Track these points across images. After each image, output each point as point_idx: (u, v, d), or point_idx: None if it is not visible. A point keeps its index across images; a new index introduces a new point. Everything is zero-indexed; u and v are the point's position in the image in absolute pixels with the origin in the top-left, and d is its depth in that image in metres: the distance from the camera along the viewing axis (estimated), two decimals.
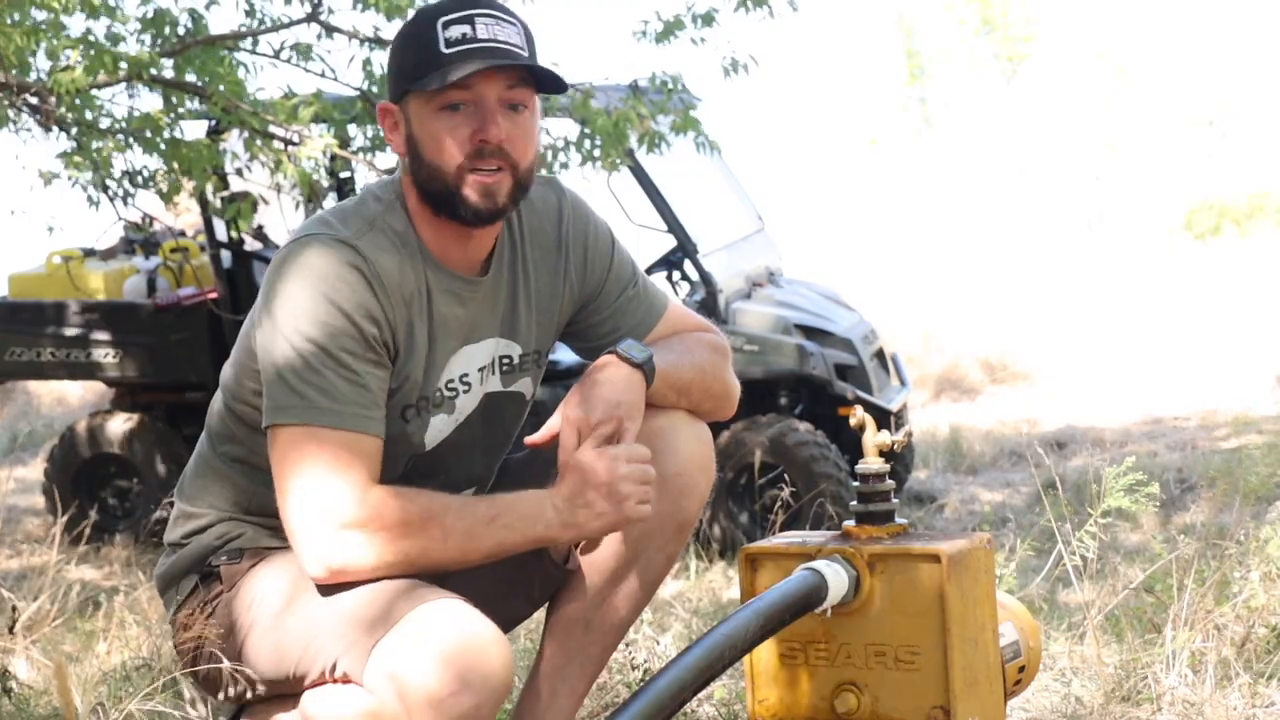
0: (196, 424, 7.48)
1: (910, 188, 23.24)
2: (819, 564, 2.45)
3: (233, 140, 6.63)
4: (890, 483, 2.56)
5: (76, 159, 6.31)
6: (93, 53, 5.96)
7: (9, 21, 5.58)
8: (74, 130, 6.41)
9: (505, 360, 2.58)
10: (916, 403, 11.12)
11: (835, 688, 2.50)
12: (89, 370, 8.02)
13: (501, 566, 2.48)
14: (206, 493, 2.58)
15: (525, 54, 2.42)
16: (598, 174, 6.85)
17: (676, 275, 7.73)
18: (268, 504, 2.52)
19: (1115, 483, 3.54)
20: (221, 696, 2.56)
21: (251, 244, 7.88)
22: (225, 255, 7.84)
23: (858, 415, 2.57)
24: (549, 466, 2.51)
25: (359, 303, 2.37)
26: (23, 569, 6.76)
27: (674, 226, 7.46)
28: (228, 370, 2.54)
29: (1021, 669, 2.68)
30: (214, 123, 6.94)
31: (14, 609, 3.52)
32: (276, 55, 6.56)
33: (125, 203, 6.83)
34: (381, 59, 6.57)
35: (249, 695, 2.52)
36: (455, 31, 2.40)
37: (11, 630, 3.53)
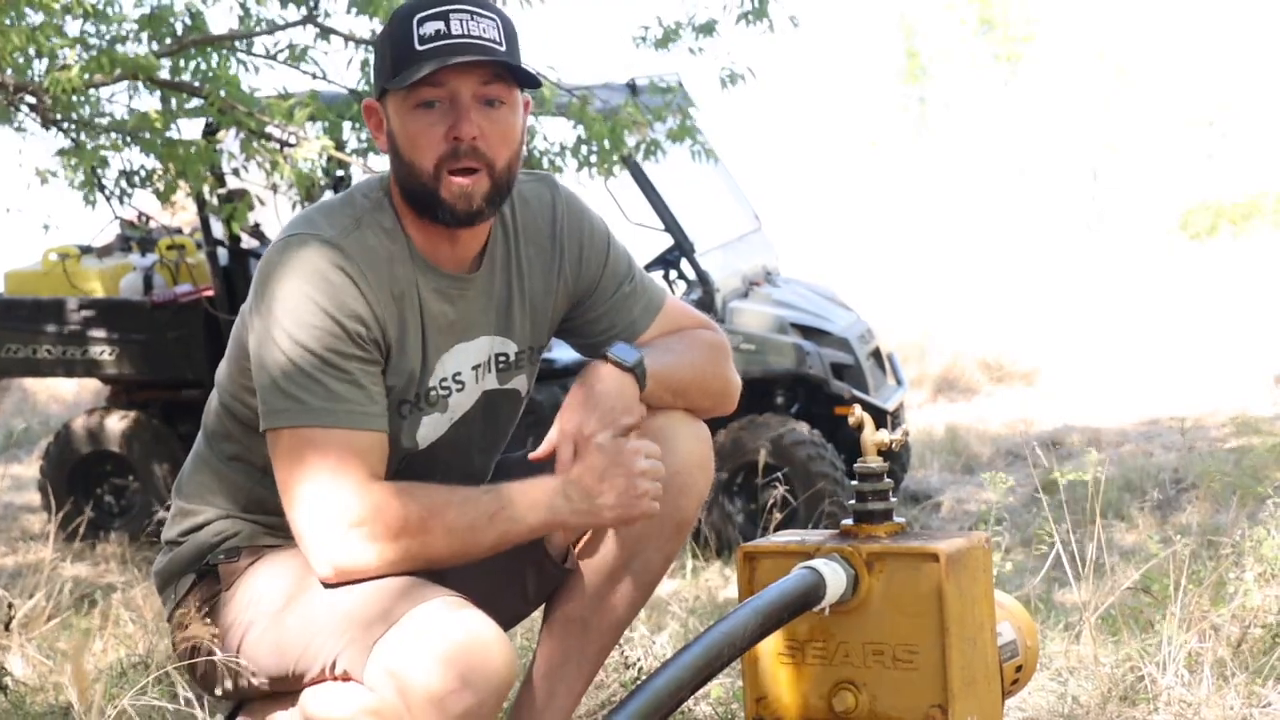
0: (192, 421, 7.50)
1: (909, 188, 23.25)
2: (817, 563, 2.44)
3: (229, 140, 6.62)
4: (889, 482, 2.56)
5: (73, 158, 6.30)
6: (89, 53, 5.95)
7: (6, 22, 5.57)
8: (71, 129, 6.40)
9: (501, 358, 2.57)
10: (914, 402, 11.13)
11: (833, 686, 2.50)
12: (85, 367, 8.01)
13: (499, 565, 2.48)
14: (204, 490, 2.58)
15: (502, 49, 2.40)
16: (593, 180, 6.85)
17: (673, 274, 7.73)
18: (265, 502, 2.52)
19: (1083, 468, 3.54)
20: (219, 694, 2.56)
21: (248, 242, 7.87)
22: (222, 253, 7.84)
23: (856, 414, 2.57)
24: (547, 465, 2.51)
25: (344, 303, 2.37)
26: (18, 566, 6.76)
27: (671, 225, 7.46)
28: (222, 369, 2.54)
29: (1019, 668, 2.68)
30: (210, 122, 6.94)
31: (10, 606, 3.51)
32: (273, 57, 6.56)
33: (122, 201, 6.82)
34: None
35: (247, 692, 2.52)
36: (429, 28, 2.38)
37: (7, 627, 3.53)
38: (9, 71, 5.74)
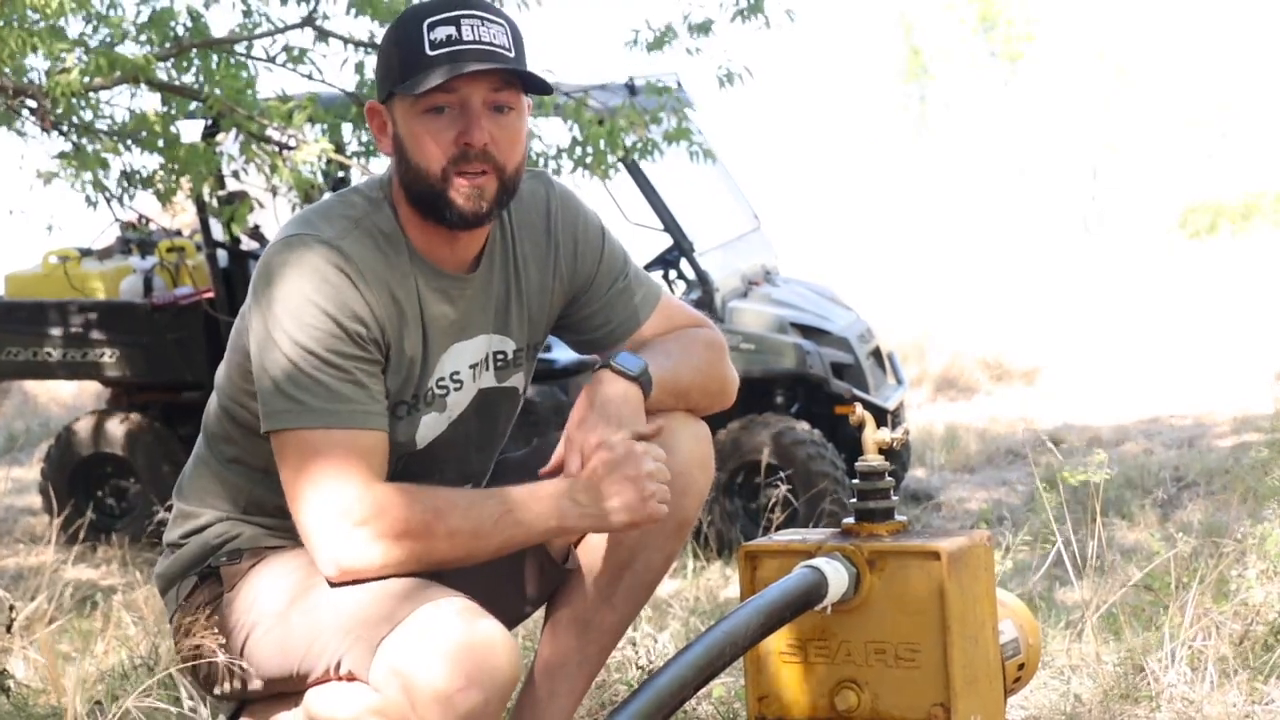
0: (193, 423, 7.51)
1: (909, 187, 23.26)
2: (819, 561, 2.44)
3: (228, 142, 6.62)
4: (890, 480, 2.55)
5: (73, 161, 6.30)
6: (88, 56, 5.95)
7: (2, 24, 5.58)
8: (71, 132, 6.41)
9: (499, 356, 2.57)
10: (914, 401, 11.13)
11: (835, 685, 2.49)
12: (86, 370, 8.02)
13: (500, 565, 2.48)
14: (204, 493, 2.58)
15: (511, 55, 2.40)
16: (589, 181, 6.85)
17: (673, 274, 7.73)
18: (265, 503, 2.53)
19: (1085, 466, 3.54)
20: (221, 695, 2.56)
21: (248, 244, 7.88)
22: (221, 255, 7.84)
23: (857, 413, 2.57)
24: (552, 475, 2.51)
25: (344, 304, 2.37)
26: (20, 568, 6.76)
27: (670, 225, 7.46)
28: (221, 371, 2.54)
29: (1021, 666, 2.68)
30: (209, 124, 6.94)
31: (11, 609, 3.51)
32: (272, 60, 6.56)
33: (123, 203, 6.82)
34: (374, 63, 6.56)
35: (249, 693, 2.52)
36: (440, 33, 2.38)
37: (9, 630, 3.53)
38: (8, 72, 5.74)
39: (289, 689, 2.44)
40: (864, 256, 17.33)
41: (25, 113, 6.32)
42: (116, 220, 7.07)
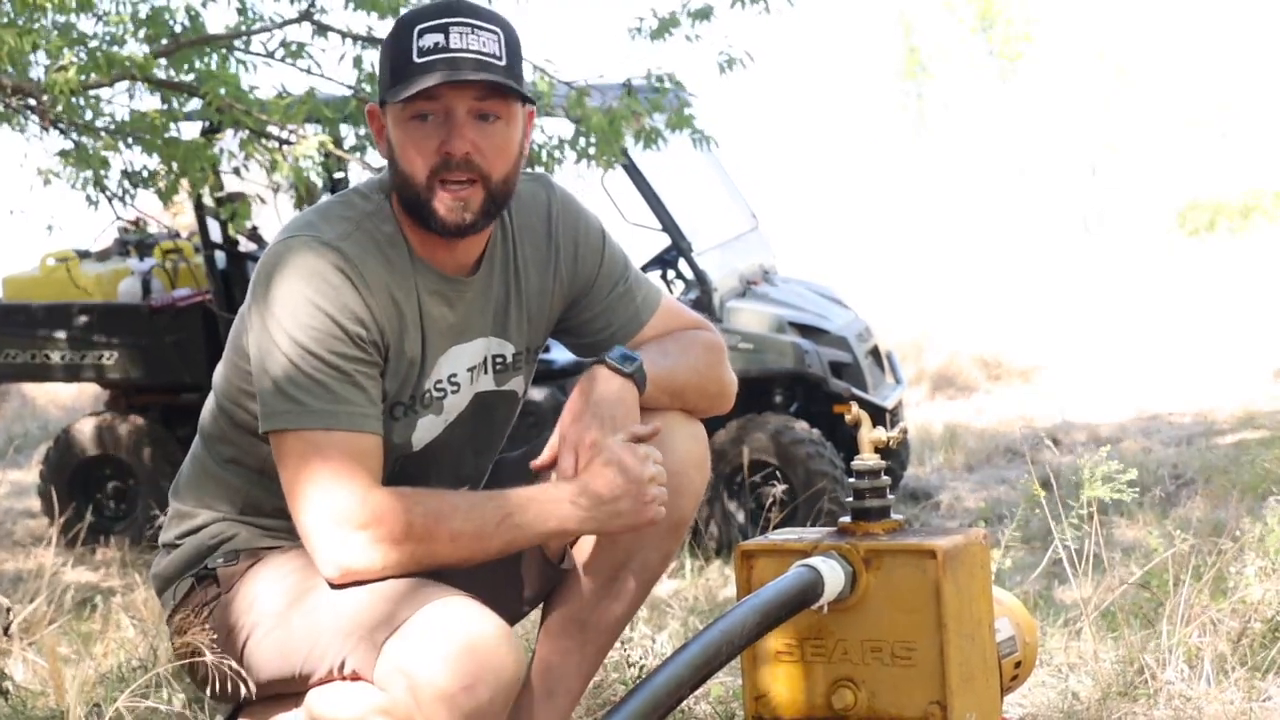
0: (191, 425, 7.46)
1: (908, 186, 23.26)
2: (815, 560, 2.44)
3: (228, 139, 6.62)
4: (886, 479, 2.55)
5: (73, 159, 6.30)
6: (85, 54, 5.96)
7: (4, 21, 5.58)
8: (71, 130, 6.40)
9: (498, 359, 2.57)
10: (913, 400, 11.13)
11: (832, 684, 2.49)
12: (84, 372, 8.02)
13: (497, 566, 2.48)
14: (201, 493, 2.58)
15: (502, 63, 2.39)
16: (593, 171, 6.84)
17: (671, 274, 7.74)
18: (262, 504, 2.53)
19: (1093, 472, 3.54)
20: (219, 696, 2.56)
21: (246, 245, 7.88)
22: (219, 256, 7.84)
23: (853, 411, 2.57)
24: (546, 472, 2.51)
25: (344, 305, 2.37)
26: (19, 571, 6.76)
27: (668, 225, 7.46)
28: (219, 372, 2.54)
29: (1018, 664, 2.68)
30: (207, 124, 6.94)
31: (9, 611, 3.51)
32: (270, 55, 6.56)
33: (124, 202, 6.82)
34: (373, 58, 6.57)
35: (245, 695, 2.52)
36: (428, 40, 2.38)
37: (6, 632, 3.53)
38: (10, 71, 5.74)
39: (288, 690, 2.45)
40: (863, 256, 17.33)
41: (26, 111, 6.32)
42: (118, 219, 7.07)
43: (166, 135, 6.32)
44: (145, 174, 6.70)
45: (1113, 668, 3.35)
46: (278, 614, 2.43)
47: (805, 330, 7.48)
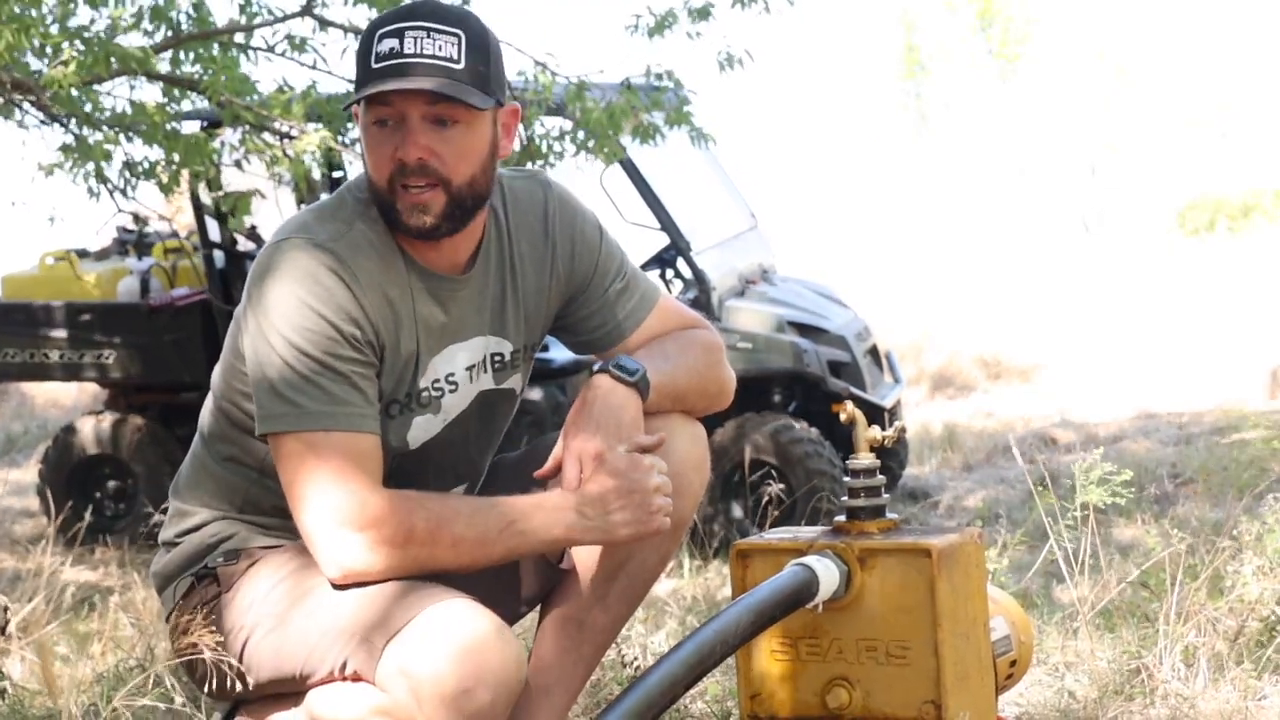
0: (190, 424, 7.45)
1: (908, 185, 23.26)
2: (810, 559, 2.44)
3: (229, 133, 6.61)
4: (881, 478, 2.55)
5: (74, 154, 6.30)
6: (86, 47, 5.95)
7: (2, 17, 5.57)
8: (72, 123, 6.40)
9: (497, 357, 2.57)
10: (913, 400, 11.13)
11: (827, 683, 2.50)
12: (83, 371, 8.02)
13: (496, 566, 2.48)
14: (200, 491, 2.59)
15: (458, 66, 2.37)
16: (592, 164, 6.83)
17: (670, 273, 7.73)
18: (260, 502, 2.53)
19: (1088, 475, 3.54)
20: (217, 694, 2.56)
21: (244, 244, 7.88)
22: (218, 256, 7.84)
23: (848, 410, 2.57)
24: (543, 464, 2.51)
25: (339, 306, 2.37)
26: (17, 571, 6.76)
27: (667, 224, 7.46)
28: (217, 372, 2.55)
29: (1013, 663, 2.69)
30: (205, 124, 6.94)
31: (6, 610, 3.51)
32: (271, 50, 6.56)
33: (126, 195, 6.82)
34: None
35: (243, 693, 2.52)
36: (385, 45, 2.38)
37: (4, 631, 3.53)
38: (5, 67, 5.73)
39: (287, 690, 2.45)
40: (862, 255, 17.32)
41: (26, 105, 6.32)
42: (120, 211, 7.06)
43: (167, 128, 6.31)
44: (146, 165, 6.70)
45: (1109, 666, 3.35)
46: (278, 614, 2.44)
47: (804, 329, 7.48)
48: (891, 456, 8.03)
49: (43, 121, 6.36)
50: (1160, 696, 3.19)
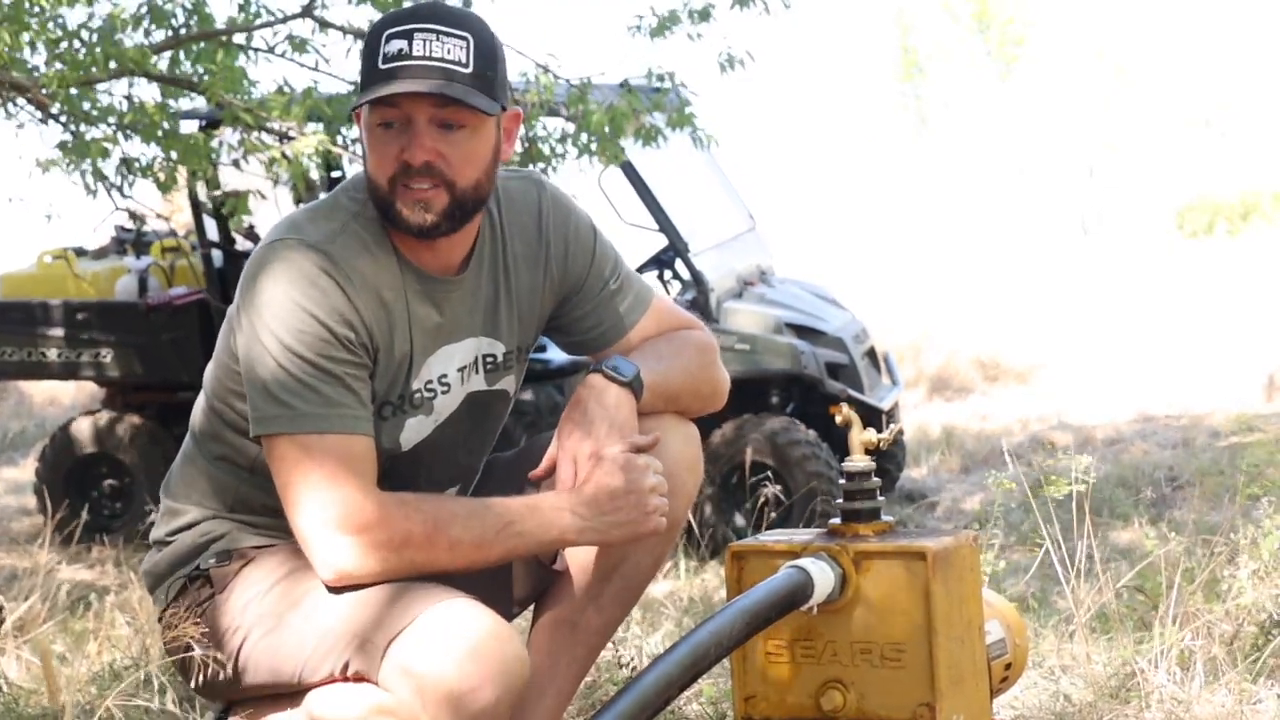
0: (188, 424, 7.49)
1: (907, 187, 23.25)
2: (805, 562, 2.44)
3: (227, 133, 6.61)
4: (876, 480, 2.55)
5: (72, 153, 6.29)
6: (84, 47, 5.95)
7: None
8: (70, 121, 6.40)
9: (489, 359, 2.57)
10: (911, 402, 11.13)
11: (821, 685, 2.49)
12: (81, 370, 8.02)
13: (489, 568, 2.48)
14: (192, 489, 2.58)
15: (466, 70, 2.36)
16: (594, 167, 6.84)
17: (668, 274, 7.74)
18: (252, 501, 2.53)
19: (1052, 479, 3.54)
20: (210, 694, 2.56)
21: (243, 244, 7.88)
22: (216, 255, 7.84)
23: (844, 413, 2.57)
24: (538, 465, 2.51)
25: (332, 307, 2.37)
26: (14, 569, 6.75)
27: (665, 225, 7.46)
28: (209, 371, 2.54)
29: (1008, 667, 2.68)
30: (203, 124, 6.94)
31: (1, 609, 3.52)
32: (271, 50, 6.55)
33: (123, 192, 6.81)
34: None
35: (237, 693, 2.52)
36: (393, 46, 2.36)
37: None
38: (6, 68, 5.73)
39: (285, 690, 2.45)
40: (861, 256, 17.33)
41: (22, 101, 6.31)
42: (117, 209, 7.06)
43: (165, 127, 6.31)
44: (144, 163, 6.69)
45: (1105, 670, 3.35)
46: (274, 616, 2.43)
47: (802, 331, 7.48)
48: (889, 458, 8.03)
49: (40, 119, 6.35)
50: (1155, 700, 3.19)
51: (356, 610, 2.33)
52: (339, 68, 6.63)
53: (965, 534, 2.52)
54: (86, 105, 6.35)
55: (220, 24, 6.46)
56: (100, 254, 8.41)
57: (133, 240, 8.32)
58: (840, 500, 2.56)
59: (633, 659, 3.47)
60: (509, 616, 2.68)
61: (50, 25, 6.06)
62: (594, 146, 6.63)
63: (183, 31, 6.35)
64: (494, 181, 2.47)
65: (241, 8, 6.56)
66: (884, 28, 27.03)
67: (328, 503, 2.33)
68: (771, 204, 13.99)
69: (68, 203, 7.13)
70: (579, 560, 2.61)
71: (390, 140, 2.39)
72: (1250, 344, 11.89)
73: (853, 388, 7.39)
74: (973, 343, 12.73)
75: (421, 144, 2.37)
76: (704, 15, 6.95)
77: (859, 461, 2.55)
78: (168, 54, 6.39)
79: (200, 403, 2.58)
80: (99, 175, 6.47)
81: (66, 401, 12.22)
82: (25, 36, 5.75)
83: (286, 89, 6.39)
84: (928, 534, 2.51)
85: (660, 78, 6.98)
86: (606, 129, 6.48)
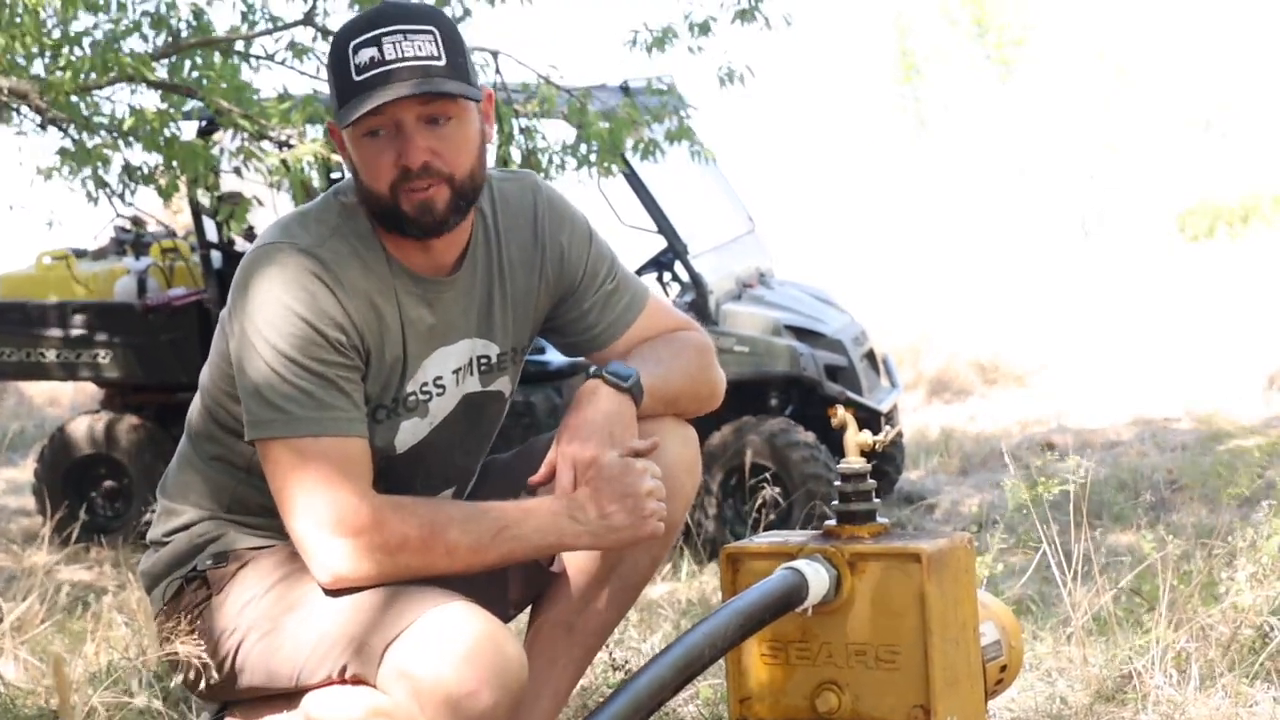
0: None
1: (906, 189, 23.24)
2: (800, 563, 2.45)
3: (226, 139, 6.62)
4: (872, 482, 2.56)
5: (73, 159, 6.30)
6: (85, 53, 5.95)
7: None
8: (70, 128, 6.40)
9: (483, 360, 2.57)
10: (910, 404, 11.13)
11: (816, 687, 2.50)
12: (80, 371, 8.02)
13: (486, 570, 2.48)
14: (188, 490, 2.59)
15: (441, 63, 2.37)
16: (593, 179, 6.84)
17: (667, 276, 7.74)
18: (248, 502, 2.53)
19: (1043, 480, 3.54)
20: (205, 695, 2.56)
21: (242, 245, 7.88)
22: (216, 256, 7.84)
23: (839, 415, 2.57)
24: (535, 467, 2.51)
25: (323, 311, 2.37)
26: (12, 570, 6.75)
27: (664, 227, 7.46)
28: (205, 373, 2.55)
29: (1003, 668, 2.69)
30: (203, 124, 6.94)
31: None
32: (271, 58, 6.56)
33: (124, 199, 6.81)
34: None
35: (233, 693, 2.52)
36: (364, 56, 2.36)
37: None
38: (6, 74, 5.73)
39: (281, 692, 2.45)
40: (860, 259, 17.32)
41: (24, 109, 6.31)
42: (119, 216, 7.06)
43: (166, 134, 6.31)
44: (145, 170, 6.70)
45: (1101, 672, 3.35)
46: (271, 619, 2.44)
47: (801, 333, 7.48)
48: (888, 460, 8.03)
49: (40, 126, 6.36)
50: (1152, 703, 3.19)
51: (353, 613, 2.33)
52: None
53: (960, 536, 2.52)
54: (87, 112, 6.35)
55: (221, 32, 6.47)
56: (99, 255, 8.41)
57: (132, 241, 8.32)
58: (835, 502, 2.56)
59: (629, 661, 3.47)
60: (506, 618, 2.69)
61: (54, 32, 6.07)
62: (593, 157, 6.64)
63: (183, 39, 6.36)
64: (486, 165, 2.48)
65: (244, 15, 6.57)
66: (882, 30, 27.03)
67: (323, 506, 2.33)
68: (771, 206, 14.00)
69: (69, 209, 7.15)
70: (576, 562, 2.62)
71: (382, 148, 2.39)
72: (1250, 347, 11.89)
73: (852, 390, 7.38)
74: (972, 345, 12.72)
75: (416, 146, 2.38)
76: (704, 29, 6.96)
77: (854, 463, 2.55)
78: (167, 60, 6.39)
79: (196, 404, 2.58)
80: (100, 183, 6.48)
81: (66, 402, 12.22)
82: (25, 41, 5.74)
83: (287, 97, 6.40)
84: (923, 536, 2.51)
85: (659, 80, 6.99)
86: (606, 141, 6.49)
